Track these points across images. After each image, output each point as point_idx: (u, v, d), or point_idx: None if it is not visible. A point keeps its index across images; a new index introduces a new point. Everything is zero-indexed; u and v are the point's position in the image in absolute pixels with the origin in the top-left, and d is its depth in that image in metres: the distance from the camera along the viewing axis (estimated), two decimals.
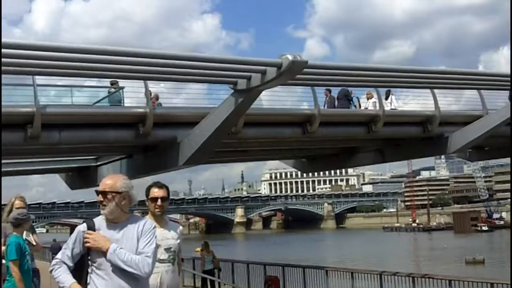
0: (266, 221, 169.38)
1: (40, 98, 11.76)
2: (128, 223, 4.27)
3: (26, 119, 11.42)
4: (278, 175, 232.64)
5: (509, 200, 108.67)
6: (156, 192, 5.37)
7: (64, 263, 4.15)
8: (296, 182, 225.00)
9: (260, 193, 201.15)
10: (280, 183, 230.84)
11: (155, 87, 13.49)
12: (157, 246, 4.51)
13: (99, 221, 4.28)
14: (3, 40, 9.94)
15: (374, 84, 14.91)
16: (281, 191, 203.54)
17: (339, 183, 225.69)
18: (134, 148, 14.21)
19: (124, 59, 10.61)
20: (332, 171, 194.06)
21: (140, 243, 4.19)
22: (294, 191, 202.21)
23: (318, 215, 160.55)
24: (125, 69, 11.04)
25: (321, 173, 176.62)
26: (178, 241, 5.44)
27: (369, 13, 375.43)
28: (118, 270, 4.10)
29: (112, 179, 4.36)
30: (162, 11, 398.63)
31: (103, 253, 4.10)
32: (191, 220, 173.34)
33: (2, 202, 8.58)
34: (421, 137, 16.58)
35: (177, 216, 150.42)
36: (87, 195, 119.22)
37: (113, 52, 10.55)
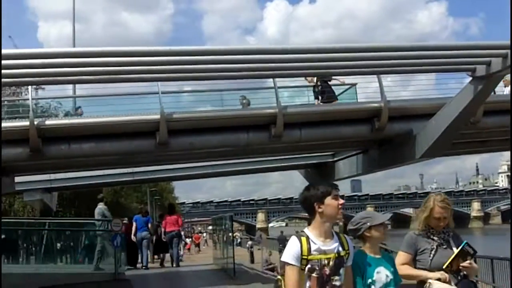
0: (505, 215, 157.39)
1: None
2: None
3: (269, 120, 12.29)
4: None
5: None
6: None
7: None
8: None
9: (498, 186, 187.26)
10: None
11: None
12: None
13: None
14: (243, 47, 10.91)
15: None
16: None
17: None
18: (370, 142, 14.35)
19: (356, 55, 10.89)
20: None
21: None
22: None
23: None
24: (357, 65, 11.31)
25: None
26: None
27: None
28: None
29: None
30: (386, 6, 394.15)
31: None
32: None
33: None
34: None
35: (410, 210, 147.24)
36: None
37: (343, 49, 10.87)
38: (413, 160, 13.51)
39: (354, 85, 14.83)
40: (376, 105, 12.77)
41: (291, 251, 3.78)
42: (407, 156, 13.23)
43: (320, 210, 3.83)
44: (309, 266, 3.74)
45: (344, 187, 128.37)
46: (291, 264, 3.74)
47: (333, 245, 3.83)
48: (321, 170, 18.72)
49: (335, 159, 17.49)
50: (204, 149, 12.93)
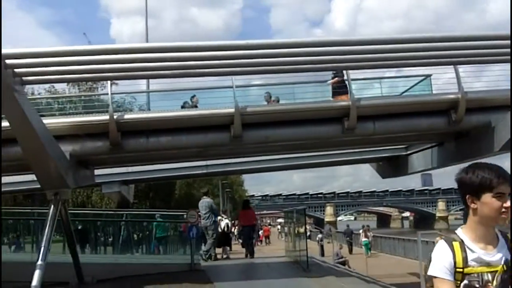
0: None
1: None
2: None
3: (342, 112, 12.22)
4: None
5: None
6: None
7: None
8: None
9: None
10: None
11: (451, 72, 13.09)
12: None
13: None
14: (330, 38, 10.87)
15: None
16: None
17: None
18: (446, 135, 14.03)
19: (432, 45, 10.69)
20: None
21: None
22: None
23: None
24: (433, 55, 11.10)
25: None
26: None
27: None
28: None
29: None
30: None
31: None
32: None
33: None
34: None
35: None
36: (391, 184, 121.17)
37: (419, 39, 10.69)
38: (491, 153, 13.12)
39: (429, 76, 14.53)
40: (453, 96, 12.47)
41: (441, 262, 2.70)
42: (485, 149, 12.86)
43: (473, 206, 2.71)
44: (466, 282, 2.67)
45: (415, 181, 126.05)
46: (443, 279, 2.68)
47: (498, 254, 2.71)
48: (393, 164, 18.45)
49: (409, 152, 17.19)
50: (277, 142, 12.99)
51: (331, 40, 11.23)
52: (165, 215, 18.76)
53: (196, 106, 13.26)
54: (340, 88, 13.31)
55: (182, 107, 13.37)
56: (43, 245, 10.65)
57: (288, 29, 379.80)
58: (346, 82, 12.95)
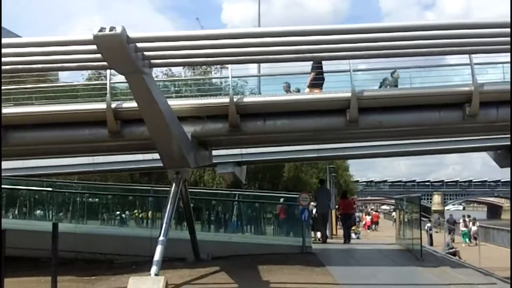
0: None
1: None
2: None
3: (463, 98, 11.81)
4: None
5: None
6: None
7: None
8: None
9: None
10: None
11: None
12: None
13: None
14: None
15: None
16: None
17: None
18: None
19: None
20: None
21: None
22: None
23: None
24: None
25: None
26: None
27: None
28: None
29: None
30: None
31: None
32: None
33: None
34: None
35: None
36: (503, 174, 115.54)
37: None
38: None
39: None
40: None
41: None
42: None
43: None
44: None
45: None
46: None
47: None
48: None
49: None
50: (393, 128, 12.76)
51: (444, 24, 10.72)
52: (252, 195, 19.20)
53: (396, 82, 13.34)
54: (317, 80, 13.16)
55: (381, 84, 13.52)
56: (165, 221, 11.04)
57: (398, 12, 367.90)
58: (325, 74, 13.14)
